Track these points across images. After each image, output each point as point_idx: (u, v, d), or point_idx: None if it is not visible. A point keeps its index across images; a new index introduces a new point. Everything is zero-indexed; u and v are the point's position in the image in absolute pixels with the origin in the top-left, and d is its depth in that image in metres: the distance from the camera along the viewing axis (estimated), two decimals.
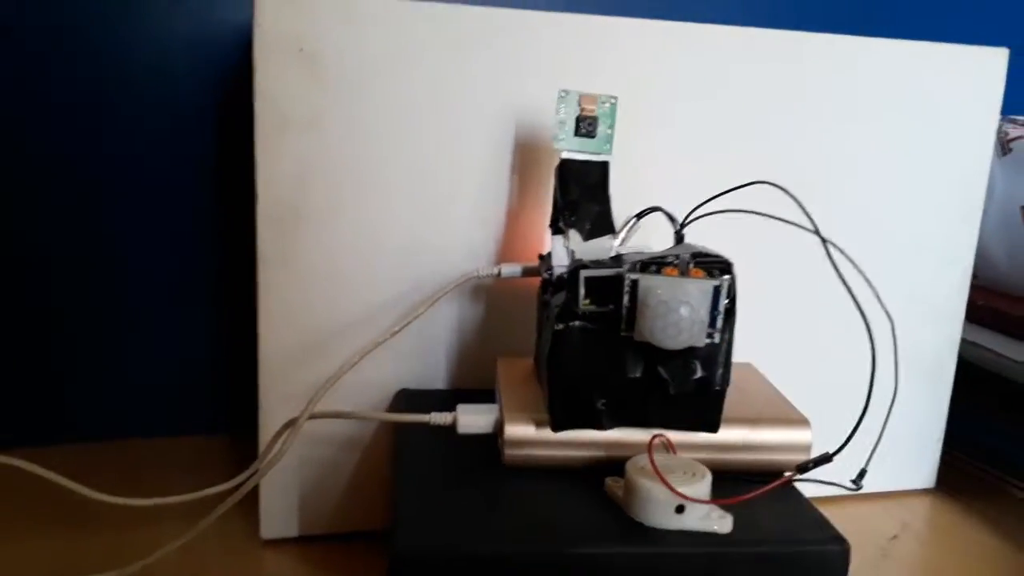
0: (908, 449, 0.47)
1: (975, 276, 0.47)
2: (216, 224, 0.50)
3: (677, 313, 0.28)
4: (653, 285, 0.28)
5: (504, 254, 0.39)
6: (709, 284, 0.28)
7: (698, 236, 0.35)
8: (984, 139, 0.44)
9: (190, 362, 0.51)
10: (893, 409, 0.32)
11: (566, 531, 0.28)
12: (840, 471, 0.31)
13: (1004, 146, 0.53)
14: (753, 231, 0.36)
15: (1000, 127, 0.52)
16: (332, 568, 0.38)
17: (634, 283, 0.29)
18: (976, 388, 0.49)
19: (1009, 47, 0.43)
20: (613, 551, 0.27)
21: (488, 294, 0.39)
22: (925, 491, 0.48)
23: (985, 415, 0.50)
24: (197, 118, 0.49)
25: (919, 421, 0.46)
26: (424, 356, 0.39)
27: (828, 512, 0.30)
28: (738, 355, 0.32)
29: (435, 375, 0.40)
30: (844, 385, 0.38)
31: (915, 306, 0.45)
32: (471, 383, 0.40)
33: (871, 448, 0.32)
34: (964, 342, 0.47)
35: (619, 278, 0.29)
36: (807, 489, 0.32)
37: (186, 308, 0.50)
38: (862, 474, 0.31)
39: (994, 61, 0.43)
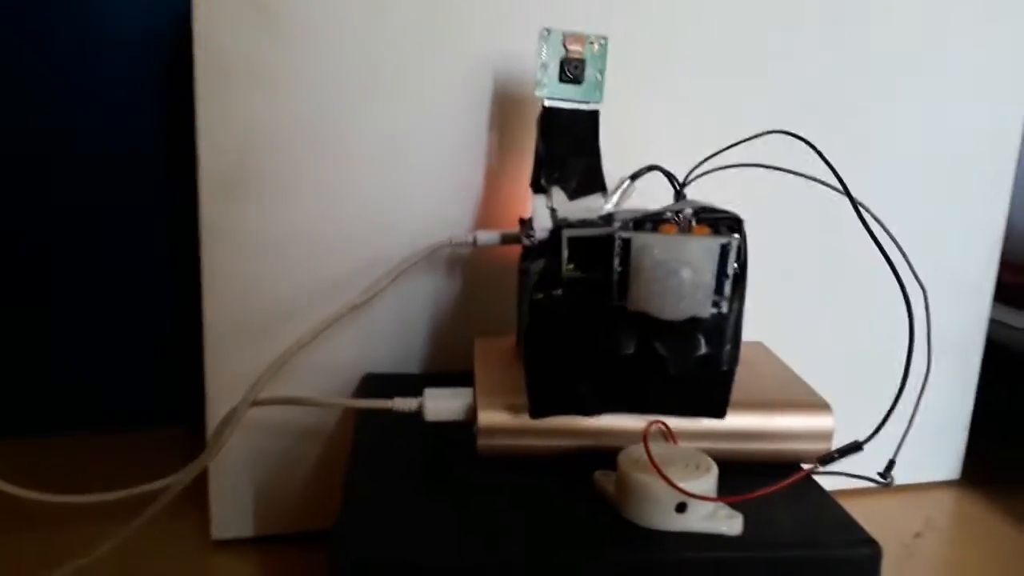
0: (933, 438, 0.43)
1: (1006, 252, 0.43)
2: (165, 195, 0.46)
3: (677, 276, 0.24)
4: (649, 244, 0.24)
5: (482, 221, 0.35)
6: (715, 242, 0.24)
7: (703, 197, 0.30)
8: (1016, 99, 0.40)
9: (143, 346, 0.47)
10: (926, 390, 0.28)
11: (545, 535, 0.24)
12: (856, 462, 0.27)
13: None
14: (765, 192, 0.32)
15: None
16: (290, 573, 0.34)
17: (626, 243, 0.24)
18: (1004, 371, 0.45)
19: None
20: (601, 559, 0.24)
21: (465, 266, 0.35)
22: (949, 483, 0.44)
23: (1013, 400, 0.46)
24: (139, 78, 0.44)
25: (944, 408, 0.43)
26: (394, 336, 0.36)
27: (846, 508, 0.26)
28: (747, 333, 0.28)
29: (407, 357, 0.36)
30: (865, 365, 0.34)
31: (940, 281, 0.40)
32: (448, 365, 0.36)
33: (900, 436, 0.28)
34: (992, 322, 0.43)
35: (609, 238, 0.25)
36: (825, 483, 0.28)
37: (136, 289, 0.46)
38: (891, 465, 0.27)
39: None
